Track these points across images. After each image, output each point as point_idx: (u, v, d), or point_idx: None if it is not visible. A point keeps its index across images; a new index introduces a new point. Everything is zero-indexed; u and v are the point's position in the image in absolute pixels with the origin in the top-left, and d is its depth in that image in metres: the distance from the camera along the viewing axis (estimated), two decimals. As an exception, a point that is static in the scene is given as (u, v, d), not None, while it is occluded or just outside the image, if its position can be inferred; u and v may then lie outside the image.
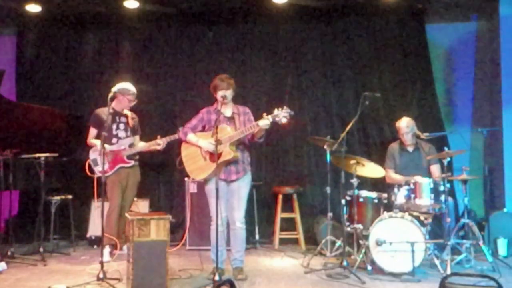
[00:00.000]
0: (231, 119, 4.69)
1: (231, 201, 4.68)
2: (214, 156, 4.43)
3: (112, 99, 5.09)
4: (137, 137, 5.68)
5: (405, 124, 5.60)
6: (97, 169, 5.41)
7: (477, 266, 4.98)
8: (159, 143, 5.41)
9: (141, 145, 5.56)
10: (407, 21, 6.70)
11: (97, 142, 5.40)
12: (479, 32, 6.84)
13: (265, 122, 4.39)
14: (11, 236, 5.43)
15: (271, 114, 4.39)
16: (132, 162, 5.50)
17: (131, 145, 5.52)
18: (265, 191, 6.51)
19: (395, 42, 6.71)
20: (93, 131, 5.53)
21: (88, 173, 5.47)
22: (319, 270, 4.93)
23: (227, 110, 4.72)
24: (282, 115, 4.37)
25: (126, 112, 5.58)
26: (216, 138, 4.33)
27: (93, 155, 5.50)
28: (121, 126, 5.53)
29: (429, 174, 5.51)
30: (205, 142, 4.62)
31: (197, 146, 4.68)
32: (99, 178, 5.05)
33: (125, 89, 5.40)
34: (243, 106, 4.85)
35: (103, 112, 5.43)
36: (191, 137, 4.71)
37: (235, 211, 4.65)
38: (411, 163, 5.58)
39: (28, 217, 6.32)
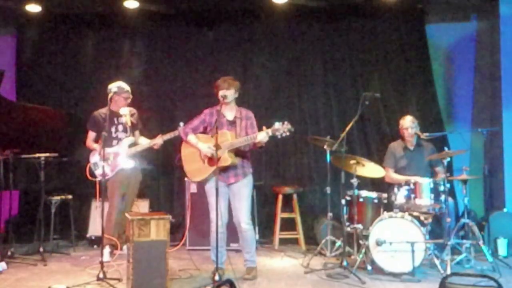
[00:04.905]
0: (232, 123, 4.66)
1: (232, 203, 4.66)
2: (212, 160, 4.41)
3: (112, 99, 5.07)
4: (137, 133, 5.66)
5: (410, 119, 5.62)
6: (98, 172, 5.40)
7: (477, 266, 4.98)
8: (157, 142, 5.40)
9: (143, 143, 5.53)
10: (407, 21, 6.70)
11: (98, 147, 5.40)
12: (479, 32, 6.83)
13: (263, 135, 4.38)
14: (11, 236, 5.43)
15: (271, 128, 4.37)
16: (133, 164, 5.49)
17: (131, 145, 5.51)
18: (265, 191, 6.50)
19: (395, 42, 6.71)
20: (91, 134, 5.52)
21: (89, 177, 5.45)
22: (319, 270, 4.93)
23: (230, 113, 4.70)
24: (281, 130, 4.34)
25: (124, 110, 5.49)
26: (216, 143, 4.32)
27: (93, 158, 5.48)
28: (120, 127, 5.51)
29: (430, 174, 5.52)
30: (205, 145, 4.59)
31: (196, 148, 4.67)
32: (100, 181, 5.03)
33: (119, 87, 5.39)
34: (247, 109, 4.79)
35: (101, 114, 5.42)
36: (191, 138, 4.69)
37: (238, 212, 4.62)
38: (412, 162, 5.58)
39: (28, 217, 6.31)
